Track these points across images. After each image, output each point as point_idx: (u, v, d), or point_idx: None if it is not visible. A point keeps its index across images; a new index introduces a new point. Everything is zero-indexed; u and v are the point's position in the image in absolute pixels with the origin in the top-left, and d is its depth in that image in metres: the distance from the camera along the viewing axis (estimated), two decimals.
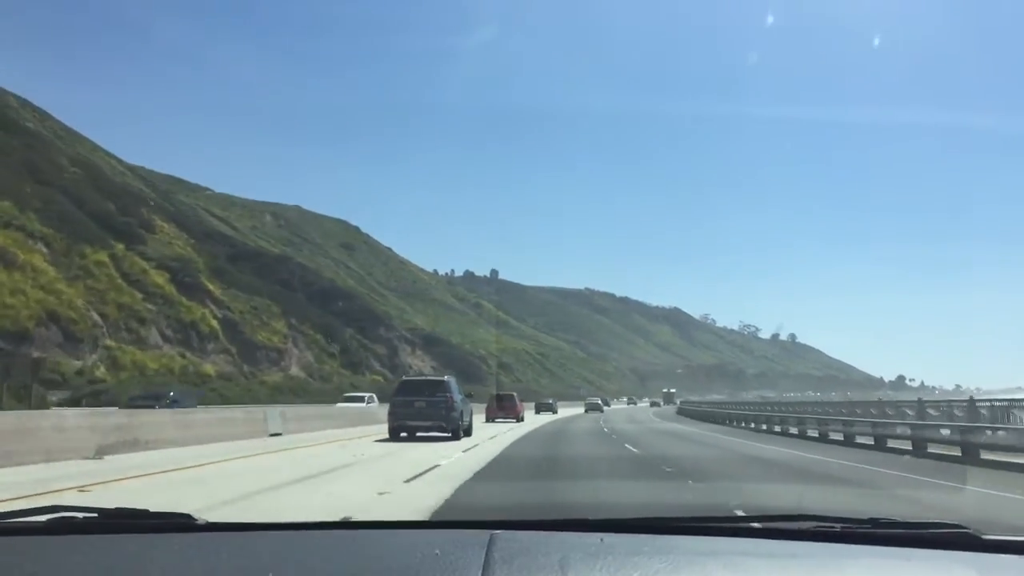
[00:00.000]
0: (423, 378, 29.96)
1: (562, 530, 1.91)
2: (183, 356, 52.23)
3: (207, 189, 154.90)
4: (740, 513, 2.37)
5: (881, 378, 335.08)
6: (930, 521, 1.89)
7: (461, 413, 25.99)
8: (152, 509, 2.13)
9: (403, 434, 24.85)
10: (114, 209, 64.23)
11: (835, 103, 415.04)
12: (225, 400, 46.52)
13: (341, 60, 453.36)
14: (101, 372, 44.31)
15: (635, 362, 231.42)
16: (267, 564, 1.66)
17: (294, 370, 64.31)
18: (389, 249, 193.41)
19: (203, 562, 1.73)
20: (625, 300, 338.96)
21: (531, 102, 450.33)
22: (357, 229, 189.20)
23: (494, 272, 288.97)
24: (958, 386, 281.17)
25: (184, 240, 71.08)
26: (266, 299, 68.83)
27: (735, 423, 41.39)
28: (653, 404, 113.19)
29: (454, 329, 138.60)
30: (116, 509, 2.10)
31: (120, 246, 56.67)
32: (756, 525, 1.95)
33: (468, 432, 26.93)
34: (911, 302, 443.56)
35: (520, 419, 44.82)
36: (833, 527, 1.87)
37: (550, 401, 69.30)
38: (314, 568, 1.66)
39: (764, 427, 34.57)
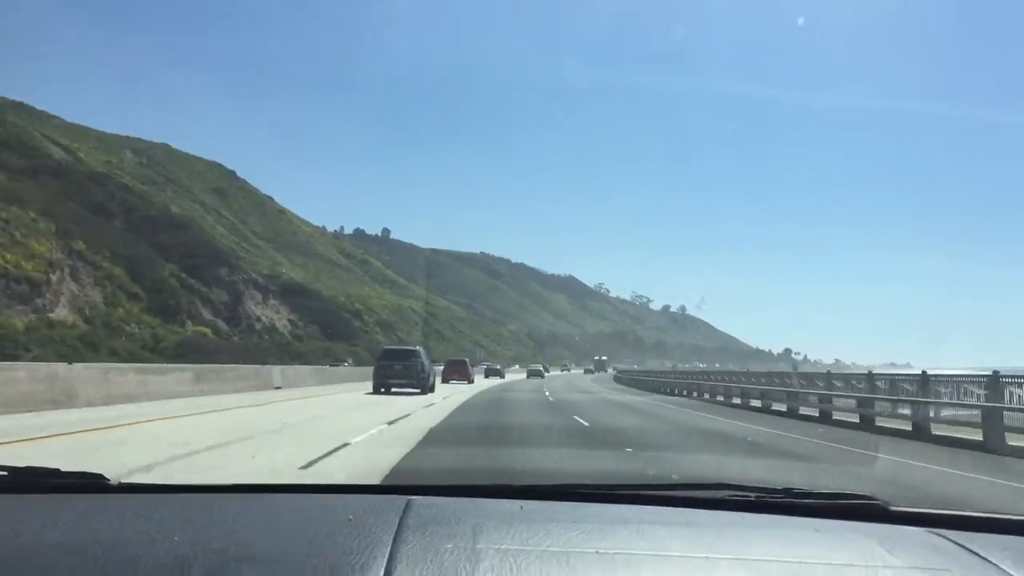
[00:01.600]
0: (401, 348, 37.33)
1: (484, 496, 1.86)
2: None
3: (57, 118, 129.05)
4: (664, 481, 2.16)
5: (769, 351, 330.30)
6: (841, 492, 1.88)
7: (428, 375, 32.27)
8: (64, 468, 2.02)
9: (382, 389, 30.53)
10: None
11: (742, 80, 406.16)
12: None
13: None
14: None
15: (531, 328, 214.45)
16: (173, 527, 1.58)
17: (60, 311, 42.49)
18: (269, 198, 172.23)
19: (108, 524, 1.63)
20: (522, 266, 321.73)
21: (435, 62, 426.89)
22: (233, 173, 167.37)
23: (386, 231, 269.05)
24: (837, 360, 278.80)
25: None
26: (30, 211, 46.28)
27: (675, 391, 40.75)
28: (587, 371, 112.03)
29: (336, 285, 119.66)
30: (27, 468, 1.99)
31: None
32: (672, 493, 1.92)
33: (432, 389, 32.43)
34: (790, 279, 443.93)
35: (471, 381, 48.13)
36: (748, 496, 1.84)
37: (498, 367, 76.69)
38: (221, 532, 1.57)
39: (707, 396, 34.25)
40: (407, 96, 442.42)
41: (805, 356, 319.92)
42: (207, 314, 57.86)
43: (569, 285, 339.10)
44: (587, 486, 1.94)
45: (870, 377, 22.77)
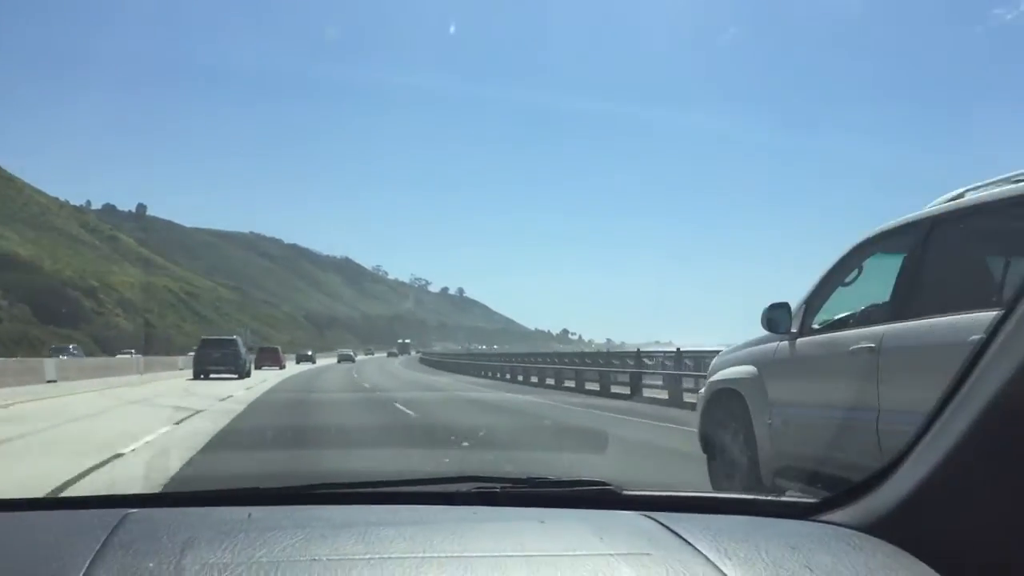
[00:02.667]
0: (219, 338, 38.81)
1: (215, 503, 1.73)
2: None
3: None
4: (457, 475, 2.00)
5: (549, 331, 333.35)
6: (580, 479, 1.90)
7: (245, 361, 35.71)
8: None
9: (201, 376, 33.48)
10: None
11: (516, 76, 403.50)
12: None
13: None
14: None
15: (307, 311, 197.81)
16: None
17: None
18: None
19: None
20: (294, 247, 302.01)
21: (196, 33, 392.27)
22: None
23: (141, 207, 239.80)
24: (609, 339, 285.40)
25: None
26: None
27: (483, 373, 42.01)
28: (390, 355, 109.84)
29: (73, 262, 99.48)
30: None
31: None
32: (414, 489, 1.87)
33: (249, 374, 35.27)
34: (560, 262, 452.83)
35: (282, 367, 50.22)
36: (493, 487, 1.82)
37: (309, 353, 79.13)
38: None
39: (509, 377, 36.09)
40: (161, 62, 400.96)
41: (580, 336, 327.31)
42: None
43: (345, 267, 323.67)
44: (321, 485, 1.82)
45: (607, 355, 28.90)
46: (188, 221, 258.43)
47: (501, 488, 1.81)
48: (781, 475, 5.52)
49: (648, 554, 1.39)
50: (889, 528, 1.46)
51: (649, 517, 1.59)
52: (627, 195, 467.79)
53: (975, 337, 3.07)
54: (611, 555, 1.39)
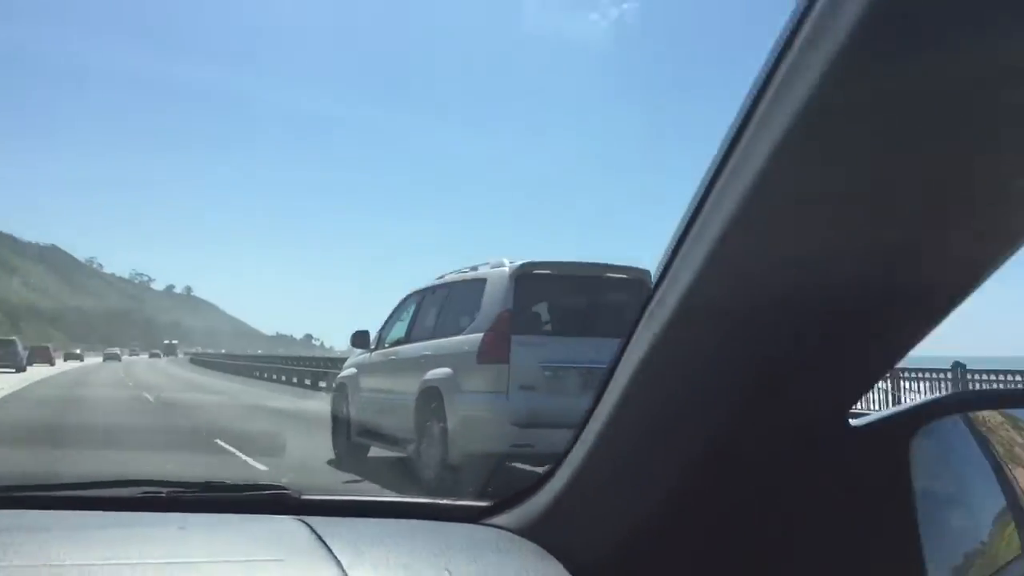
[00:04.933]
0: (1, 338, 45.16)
1: None
2: None
3: None
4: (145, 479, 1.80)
5: (291, 336, 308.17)
6: (257, 483, 1.79)
7: (23, 358, 41.88)
8: None
9: None
10: None
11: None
12: None
13: None
14: None
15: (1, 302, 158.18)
16: None
17: None
18: None
19: None
20: None
21: None
22: None
23: None
24: (333, 346, 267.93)
25: None
26: None
27: (258, 375, 41.45)
28: (152, 355, 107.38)
29: None
30: None
31: None
32: (76, 494, 1.70)
33: (25, 370, 39.63)
34: (299, 263, 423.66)
35: (52, 364, 51.97)
36: (159, 493, 1.67)
37: (78, 352, 78.34)
38: None
39: (284, 379, 35.29)
40: None
41: (322, 343, 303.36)
42: None
43: (51, 255, 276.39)
44: None
45: None
46: None
47: (167, 493, 1.65)
48: (360, 435, 9.25)
49: (280, 560, 1.33)
50: (538, 531, 1.46)
51: (303, 522, 1.49)
52: (356, 192, 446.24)
53: (422, 353, 8.62)
54: (242, 561, 1.32)
